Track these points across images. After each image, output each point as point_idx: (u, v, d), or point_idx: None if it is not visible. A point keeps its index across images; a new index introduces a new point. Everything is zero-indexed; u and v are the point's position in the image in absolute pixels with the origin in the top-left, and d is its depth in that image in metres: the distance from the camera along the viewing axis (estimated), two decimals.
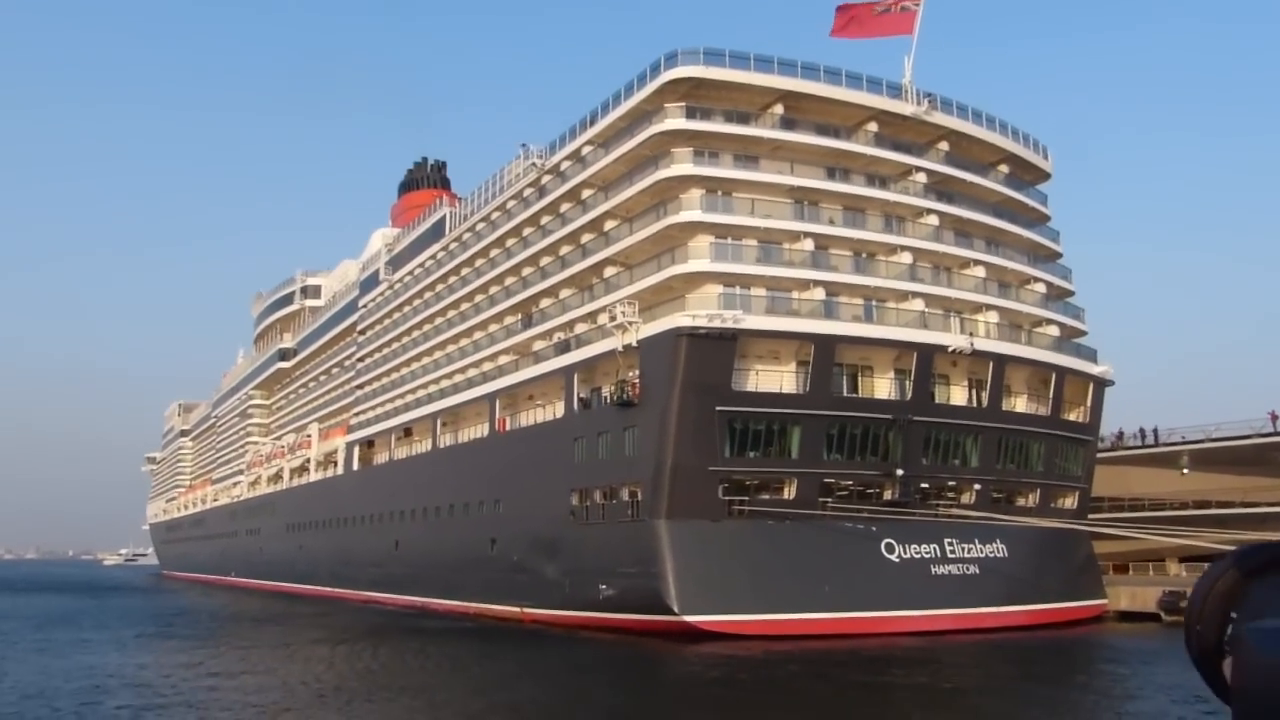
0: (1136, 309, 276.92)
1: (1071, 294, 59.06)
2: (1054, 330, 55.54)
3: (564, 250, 57.13)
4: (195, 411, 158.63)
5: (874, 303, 49.49)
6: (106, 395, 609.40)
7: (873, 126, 51.84)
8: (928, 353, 48.08)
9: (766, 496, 45.30)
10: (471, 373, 65.33)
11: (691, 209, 47.96)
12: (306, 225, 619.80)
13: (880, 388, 48.71)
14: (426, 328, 73.91)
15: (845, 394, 47.43)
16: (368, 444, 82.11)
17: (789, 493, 45.49)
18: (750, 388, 45.41)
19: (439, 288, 72.72)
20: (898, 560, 45.41)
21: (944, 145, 54.00)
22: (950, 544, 46.89)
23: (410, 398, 74.45)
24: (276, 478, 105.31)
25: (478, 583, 56.30)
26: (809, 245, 48.81)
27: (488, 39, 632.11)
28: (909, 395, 47.94)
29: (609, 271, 52.64)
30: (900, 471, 46.33)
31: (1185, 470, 60.58)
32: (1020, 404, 53.18)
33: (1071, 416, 54.68)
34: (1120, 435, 66.02)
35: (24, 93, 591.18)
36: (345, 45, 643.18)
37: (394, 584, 68.21)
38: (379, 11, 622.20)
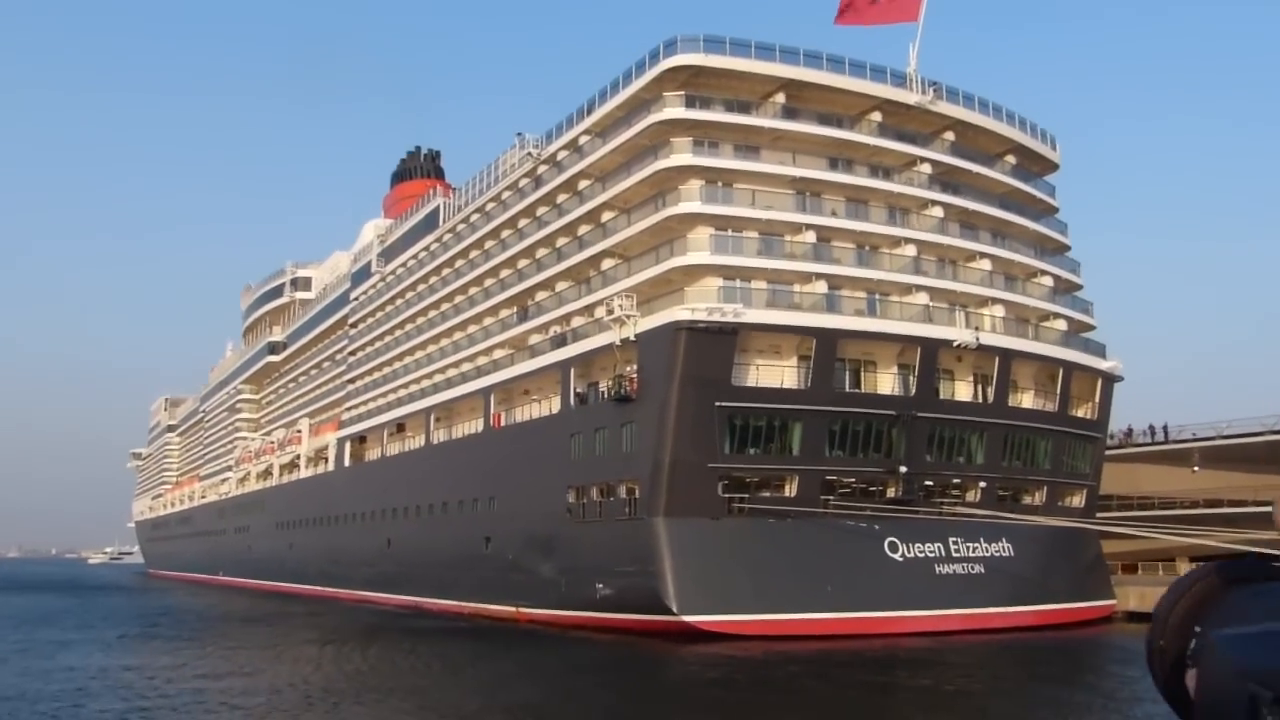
0: (1146, 302, 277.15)
1: (1080, 287, 59.09)
2: (1062, 324, 55.56)
3: (560, 242, 57.10)
4: (182, 406, 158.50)
5: (877, 296, 49.48)
6: (91, 389, 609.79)
7: (876, 116, 51.82)
8: (932, 347, 48.08)
9: (767, 494, 45.34)
10: (466, 367, 65.32)
11: (691, 200, 47.93)
12: (297, 216, 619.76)
13: (883, 383, 48.74)
14: (420, 321, 73.88)
15: (848, 389, 47.44)
16: (359, 440, 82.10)
17: (790, 490, 45.53)
18: (751, 383, 45.42)
19: (432, 280, 72.68)
20: (901, 559, 45.45)
21: (949, 135, 53.96)
22: (955, 543, 46.94)
23: (403, 392, 74.44)
24: (266, 474, 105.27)
25: (472, 582, 56.32)
26: (811, 237, 48.80)
27: (483, 26, 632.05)
28: (913, 391, 47.95)
29: (606, 264, 52.61)
30: (904, 469, 46.37)
31: (1196, 468, 60.58)
32: (1027, 400, 53.19)
33: (1079, 413, 54.71)
34: (1129, 432, 66.04)
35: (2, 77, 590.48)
36: (338, 31, 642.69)
37: (387, 583, 68.24)
38: None
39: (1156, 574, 61.20)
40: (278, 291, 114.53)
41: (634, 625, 43.42)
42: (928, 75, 52.44)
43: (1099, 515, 54.57)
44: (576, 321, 53.81)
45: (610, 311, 47.95)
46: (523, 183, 61.49)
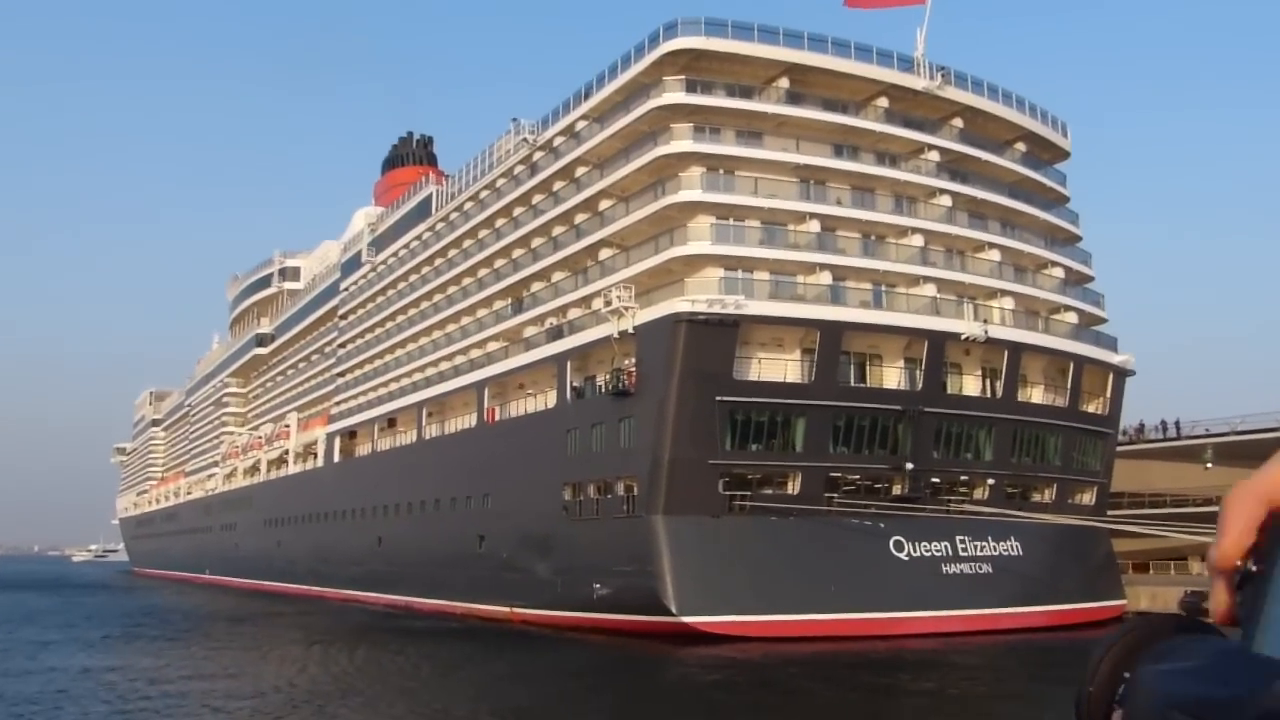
0: (1159, 294, 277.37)
1: (1091, 279, 59.07)
2: (1072, 317, 55.56)
3: (557, 231, 57.04)
4: (168, 400, 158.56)
5: (883, 288, 49.48)
6: (73, 382, 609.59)
7: (883, 102, 51.74)
8: (939, 340, 48.07)
9: (769, 491, 45.34)
10: (459, 360, 65.29)
11: (691, 188, 47.87)
12: (285, 203, 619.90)
13: (889, 377, 48.72)
14: (411, 312, 73.84)
15: (852, 384, 47.43)
16: (349, 435, 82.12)
17: (793, 487, 45.55)
18: (752, 377, 45.41)
19: (425, 270, 72.63)
20: (907, 558, 45.49)
21: (958, 122, 53.90)
22: (962, 541, 46.97)
23: (394, 386, 74.42)
24: (253, 470, 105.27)
25: (465, 581, 56.35)
26: (815, 227, 48.75)
27: (477, 8, 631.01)
28: (919, 385, 47.94)
29: (604, 253, 52.56)
30: (910, 465, 46.39)
31: (1209, 465, 60.61)
32: (1036, 395, 53.18)
33: (1090, 408, 54.74)
34: (1141, 428, 66.13)
35: None
36: (327, 14, 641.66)
37: (377, 582, 68.28)
38: None
39: (1168, 573, 61.29)
40: (265, 282, 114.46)
41: (631, 626, 43.44)
42: (936, 60, 52.44)
43: (1110, 513, 54.61)
44: (573, 313, 53.76)
45: (608, 303, 47.89)
46: (518, 170, 61.42)
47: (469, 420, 62.57)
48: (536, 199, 59.44)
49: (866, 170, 50.95)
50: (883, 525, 45.36)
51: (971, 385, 50.94)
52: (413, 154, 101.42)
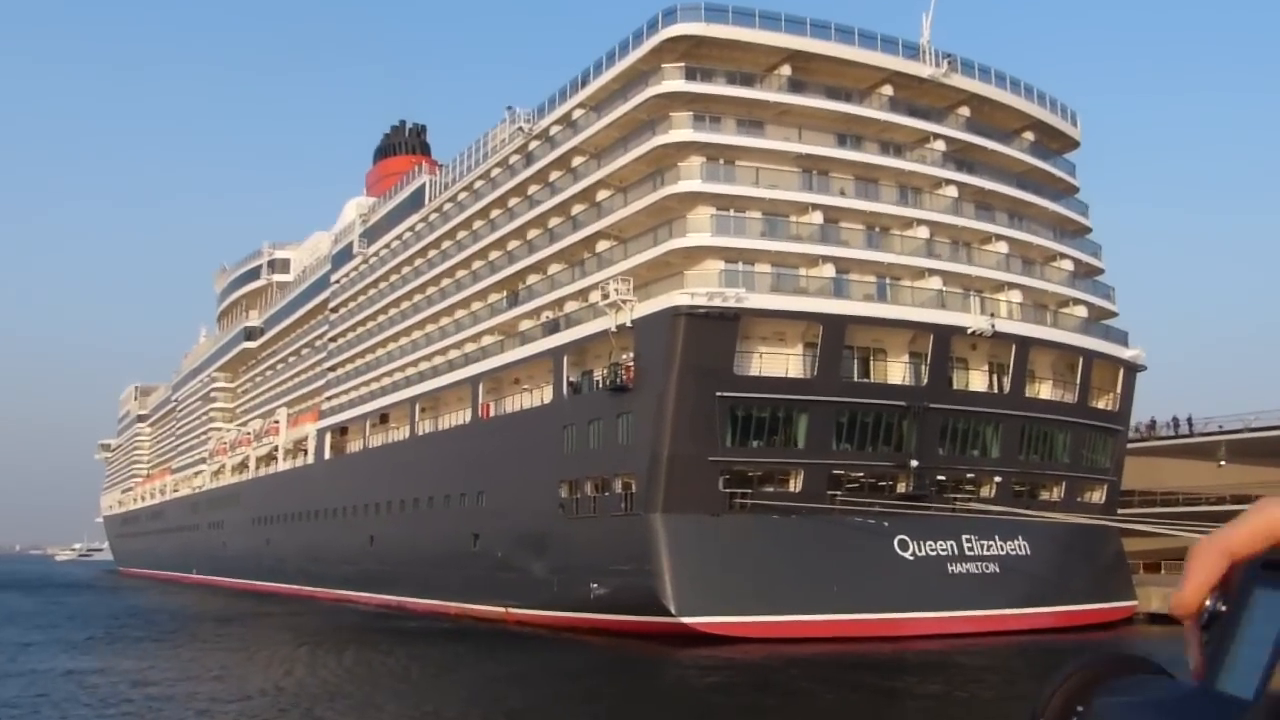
0: (1170, 287, 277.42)
1: (1101, 272, 59.14)
2: (1082, 311, 55.59)
3: (553, 222, 57.03)
4: (153, 395, 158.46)
5: (887, 280, 49.47)
6: (56, 376, 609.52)
7: (887, 90, 51.73)
8: (945, 335, 48.09)
9: (770, 489, 45.39)
10: (453, 354, 65.30)
11: (691, 178, 47.85)
12: (275, 193, 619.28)
13: (894, 372, 48.74)
14: (404, 305, 73.83)
15: (856, 379, 47.48)
16: (340, 431, 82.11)
17: (795, 485, 45.60)
18: (754, 372, 45.44)
19: (418, 262, 72.61)
20: (911, 558, 45.54)
21: (964, 110, 53.89)
22: (968, 540, 47.02)
23: (386, 381, 74.44)
24: (241, 467, 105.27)
25: (459, 581, 56.40)
26: (818, 218, 48.76)
27: None
28: (925, 380, 47.98)
29: (601, 245, 52.55)
30: (915, 463, 46.42)
31: (1222, 462, 60.73)
32: (1045, 390, 53.24)
33: (1100, 404, 54.79)
34: (1152, 424, 66.15)
35: None
36: None
37: (368, 582, 68.32)
38: None
39: (1180, 574, 61.23)
40: (254, 274, 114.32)
41: (629, 627, 43.50)
42: (942, 47, 52.49)
43: (1120, 512, 54.63)
44: (570, 306, 53.77)
45: (605, 296, 47.89)
46: (513, 159, 61.39)
47: (463, 416, 62.58)
48: (532, 189, 59.42)
49: (870, 160, 50.94)
50: (887, 524, 45.40)
51: (978, 380, 50.96)
52: (405, 143, 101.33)
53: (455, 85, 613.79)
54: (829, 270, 47.89)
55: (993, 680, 35.05)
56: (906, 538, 45.61)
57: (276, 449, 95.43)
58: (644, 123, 50.08)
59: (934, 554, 46.04)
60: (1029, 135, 56.99)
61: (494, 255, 62.60)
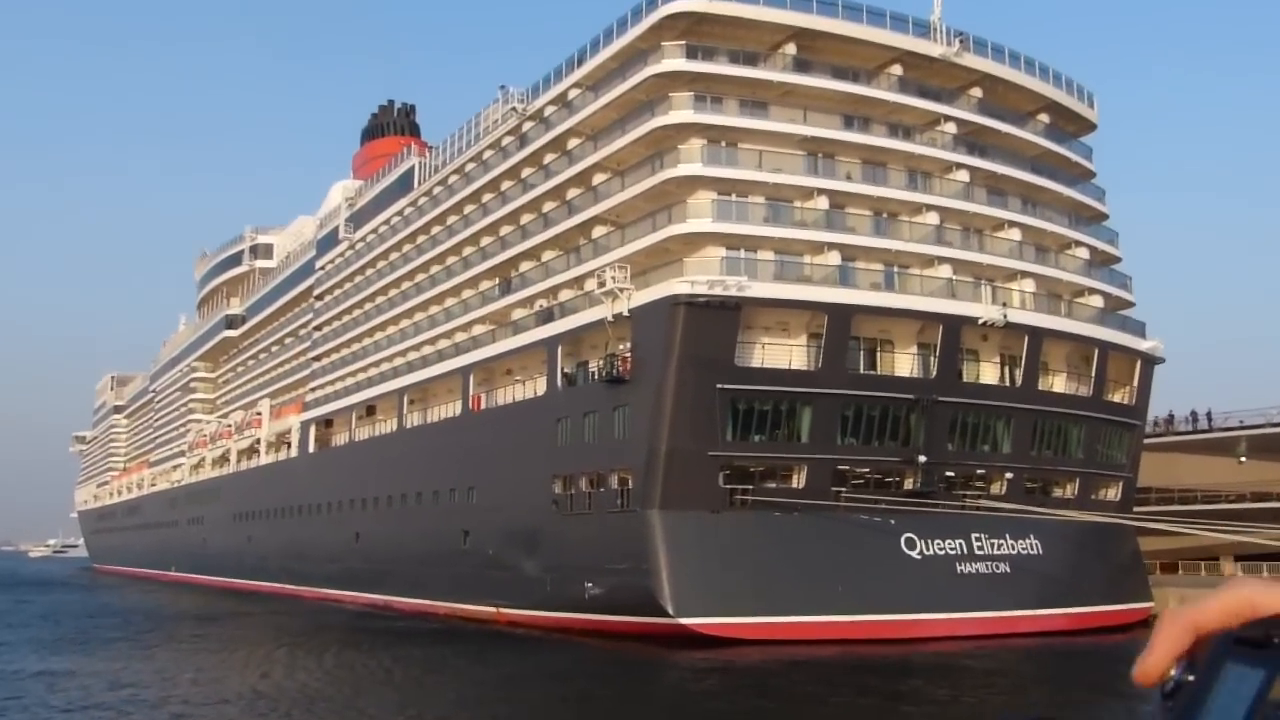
0: (1190, 275, 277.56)
1: (1118, 260, 59.12)
2: (1097, 301, 55.61)
3: (547, 207, 56.97)
4: (130, 385, 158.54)
5: (895, 269, 49.47)
6: (28, 364, 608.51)
7: (896, 70, 51.66)
8: (955, 325, 48.09)
9: (773, 485, 45.40)
10: (442, 344, 65.28)
11: (691, 161, 47.79)
12: (257, 175, 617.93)
13: (902, 364, 48.77)
14: (392, 293, 73.80)
15: (862, 371, 47.47)
16: (325, 423, 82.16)
17: (798, 481, 45.60)
18: (756, 363, 45.44)
19: (406, 248, 72.55)
20: (919, 557, 45.59)
21: (976, 91, 53.85)
22: (978, 539, 47.07)
23: (373, 371, 74.43)
24: (222, 460, 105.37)
25: (448, 579, 56.48)
26: (823, 203, 48.72)
27: None
28: (934, 373, 48.01)
29: (598, 231, 52.51)
30: (923, 458, 46.43)
31: (1243, 459, 60.80)
32: (1058, 383, 53.28)
33: (1116, 397, 54.83)
34: (1170, 419, 66.28)
35: None
36: None
37: (354, 580, 68.40)
38: None
39: (1198, 574, 61.44)
40: (236, 259, 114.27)
41: (625, 628, 43.55)
42: (953, 25, 52.37)
43: (1136, 510, 54.74)
44: (564, 295, 53.73)
45: (602, 284, 47.83)
46: (506, 141, 61.30)
47: (453, 408, 62.58)
48: (526, 172, 59.35)
49: (878, 143, 50.89)
50: (894, 522, 45.47)
51: (989, 373, 50.97)
52: (394, 123, 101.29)
53: (446, 64, 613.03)
54: (834, 258, 47.83)
55: (1003, 684, 35.13)
56: (914, 536, 45.66)
57: (259, 442, 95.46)
58: (642, 103, 49.99)
59: (942, 553, 46.09)
60: (1043, 117, 56.94)
61: (486, 241, 62.53)
